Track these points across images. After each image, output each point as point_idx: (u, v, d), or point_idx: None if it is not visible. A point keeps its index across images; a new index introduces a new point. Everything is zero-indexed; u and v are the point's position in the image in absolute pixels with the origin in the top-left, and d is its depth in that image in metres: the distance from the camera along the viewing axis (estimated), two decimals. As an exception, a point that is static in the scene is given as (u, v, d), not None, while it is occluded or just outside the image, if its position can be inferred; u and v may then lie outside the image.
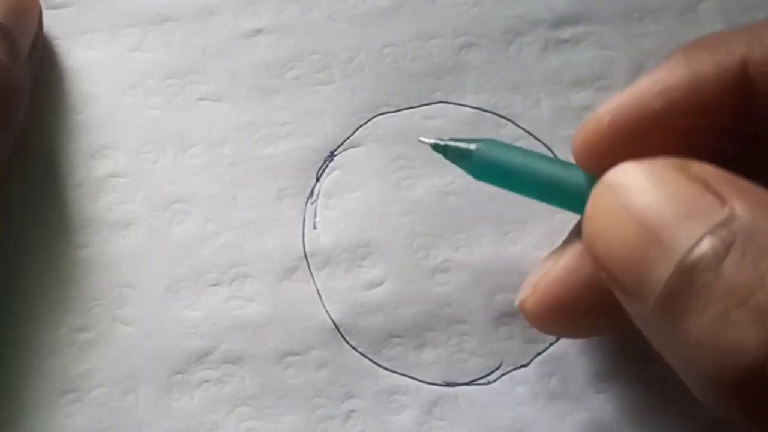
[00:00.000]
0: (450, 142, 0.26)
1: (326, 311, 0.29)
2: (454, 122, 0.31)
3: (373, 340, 0.29)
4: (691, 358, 0.19)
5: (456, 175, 0.30)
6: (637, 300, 0.20)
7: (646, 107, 0.23)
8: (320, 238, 0.30)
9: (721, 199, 0.19)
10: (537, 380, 0.28)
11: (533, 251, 0.29)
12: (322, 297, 0.29)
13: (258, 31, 0.32)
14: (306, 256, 0.30)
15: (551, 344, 0.29)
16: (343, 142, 0.31)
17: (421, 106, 0.31)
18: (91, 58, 0.32)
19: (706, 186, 0.19)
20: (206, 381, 0.29)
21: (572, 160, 0.25)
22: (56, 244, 0.30)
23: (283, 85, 0.31)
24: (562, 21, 0.31)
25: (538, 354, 0.29)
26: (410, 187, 0.30)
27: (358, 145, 0.31)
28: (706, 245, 0.18)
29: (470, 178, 0.29)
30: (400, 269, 0.29)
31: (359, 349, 0.29)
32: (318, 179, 0.30)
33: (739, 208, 0.19)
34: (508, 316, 0.29)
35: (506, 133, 0.30)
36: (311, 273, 0.29)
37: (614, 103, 0.23)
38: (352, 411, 0.28)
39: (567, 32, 0.31)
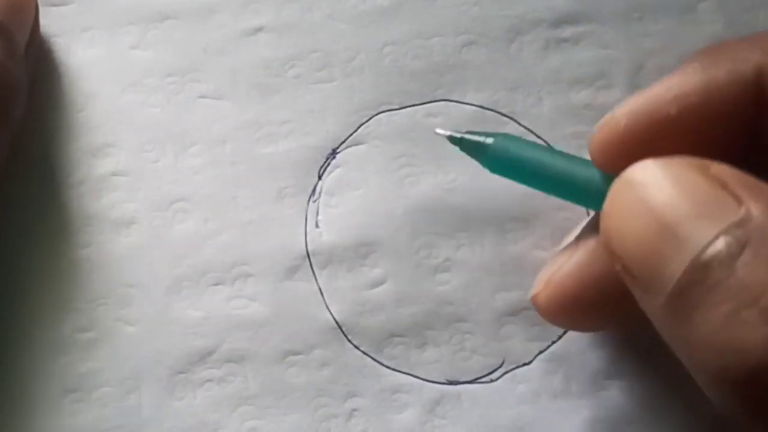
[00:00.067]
0: (466, 135, 0.26)
1: (328, 310, 0.29)
2: (456, 120, 0.30)
3: (375, 339, 0.29)
4: (699, 354, 0.19)
5: (458, 173, 0.30)
6: (651, 294, 0.20)
7: (662, 112, 0.23)
8: (322, 236, 0.29)
9: (738, 200, 0.19)
10: (540, 378, 0.28)
11: (534, 250, 0.29)
12: (325, 296, 0.29)
13: (258, 30, 0.31)
14: (308, 255, 0.29)
15: (553, 342, 0.29)
16: (346, 139, 0.30)
17: (423, 104, 0.31)
18: (91, 55, 0.31)
19: (724, 186, 0.20)
20: (209, 380, 0.28)
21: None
22: (57, 243, 0.29)
23: (284, 83, 0.31)
24: (562, 20, 0.31)
25: (541, 352, 0.29)
26: (413, 185, 0.30)
27: (361, 143, 0.30)
28: (720, 244, 0.19)
29: (472, 175, 0.29)
30: (402, 268, 0.29)
31: (361, 348, 0.29)
32: (320, 177, 0.30)
33: (755, 209, 0.19)
34: (509, 314, 0.29)
35: (508, 131, 0.30)
36: (313, 272, 0.29)
37: (630, 107, 0.23)
38: (355, 410, 0.28)
39: (567, 31, 0.31)
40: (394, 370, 0.28)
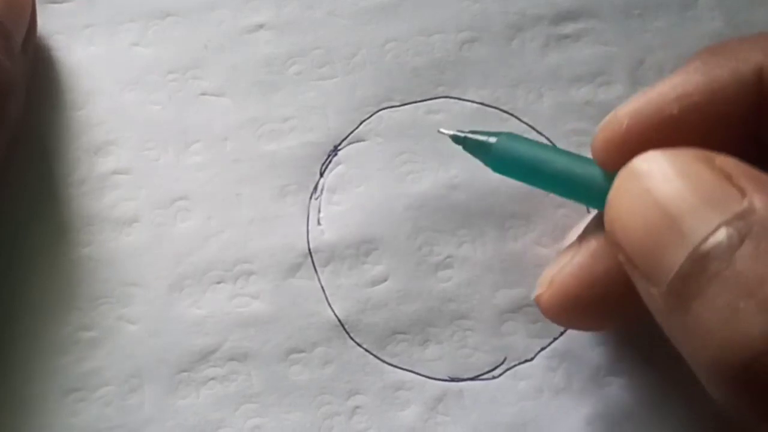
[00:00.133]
0: (469, 134, 0.26)
1: (331, 308, 0.28)
2: (457, 117, 0.30)
3: (377, 337, 0.28)
4: (697, 344, 0.19)
5: (460, 170, 0.29)
6: (652, 284, 0.20)
7: (664, 111, 0.22)
8: (324, 234, 0.29)
9: (742, 192, 0.19)
10: (541, 375, 0.28)
11: (535, 247, 0.29)
12: (327, 294, 0.29)
13: (259, 27, 0.31)
14: (310, 253, 0.29)
15: (555, 339, 0.28)
16: (347, 136, 0.30)
17: (424, 100, 0.30)
18: (91, 53, 0.31)
19: (728, 178, 0.20)
20: (212, 379, 0.28)
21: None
22: (59, 242, 0.29)
23: (285, 80, 0.31)
24: (562, 17, 0.31)
25: (543, 349, 0.28)
26: (414, 182, 0.30)
27: (362, 140, 0.30)
28: (721, 235, 0.19)
29: (474, 172, 0.29)
30: (403, 265, 0.29)
31: (364, 346, 0.28)
32: (322, 174, 0.30)
33: (758, 201, 0.19)
34: (511, 311, 0.29)
35: (509, 128, 0.30)
36: (315, 270, 0.29)
37: (632, 106, 0.23)
38: (358, 407, 0.28)
39: (568, 28, 0.31)
40: (396, 367, 0.28)
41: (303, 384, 0.28)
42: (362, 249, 0.29)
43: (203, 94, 0.30)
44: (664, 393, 0.28)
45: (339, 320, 0.28)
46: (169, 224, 0.29)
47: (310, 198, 0.29)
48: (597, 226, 0.25)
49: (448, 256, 0.29)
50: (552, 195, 0.29)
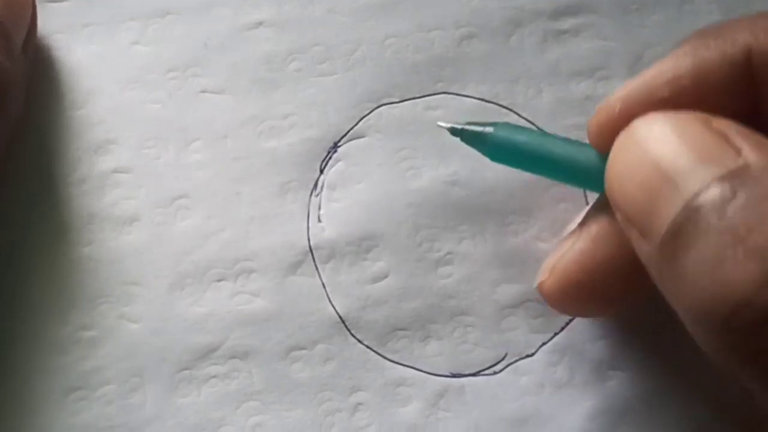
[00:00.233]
0: (467, 125, 0.26)
1: (332, 305, 0.28)
2: (456, 113, 0.30)
3: (378, 333, 0.28)
4: (687, 293, 0.19)
5: (459, 166, 0.29)
6: (647, 240, 0.20)
7: (656, 95, 0.23)
8: (325, 231, 0.29)
9: (738, 151, 0.19)
10: (543, 370, 0.28)
11: (536, 242, 0.29)
12: (328, 291, 0.28)
13: (259, 24, 0.31)
14: (311, 250, 0.28)
15: (556, 334, 0.28)
16: (347, 133, 0.30)
17: (423, 96, 0.30)
18: (91, 52, 0.30)
19: (725, 138, 0.20)
20: (213, 377, 0.27)
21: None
22: (59, 241, 0.28)
23: (285, 77, 0.30)
24: (561, 12, 0.31)
25: (544, 344, 0.28)
26: (414, 178, 0.29)
27: (362, 136, 0.30)
28: (715, 189, 0.19)
29: (473, 168, 0.29)
30: (404, 262, 0.28)
31: (365, 342, 0.28)
32: (322, 171, 0.29)
33: (753, 158, 0.19)
34: (512, 306, 0.28)
35: (509, 124, 0.29)
36: (316, 267, 0.28)
37: (625, 91, 0.23)
38: (359, 404, 0.27)
39: (566, 23, 0.31)
40: (397, 363, 0.28)
41: (304, 381, 0.27)
42: (363, 246, 0.28)
43: (203, 92, 0.30)
44: (665, 387, 0.27)
45: (340, 317, 0.28)
46: (170, 223, 0.29)
47: (311, 195, 0.29)
48: (597, 212, 0.25)
49: (449, 252, 0.28)
50: (552, 190, 0.28)
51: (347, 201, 0.29)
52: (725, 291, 0.18)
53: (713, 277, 0.18)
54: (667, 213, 0.19)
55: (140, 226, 0.29)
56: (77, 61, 0.30)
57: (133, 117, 0.30)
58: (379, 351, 0.28)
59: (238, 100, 0.30)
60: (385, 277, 0.28)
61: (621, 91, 0.23)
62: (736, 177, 0.19)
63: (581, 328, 0.28)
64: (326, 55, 0.30)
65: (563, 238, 0.27)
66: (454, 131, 0.26)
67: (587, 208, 0.28)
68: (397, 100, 0.30)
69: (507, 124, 0.25)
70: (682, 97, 0.22)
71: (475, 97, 0.30)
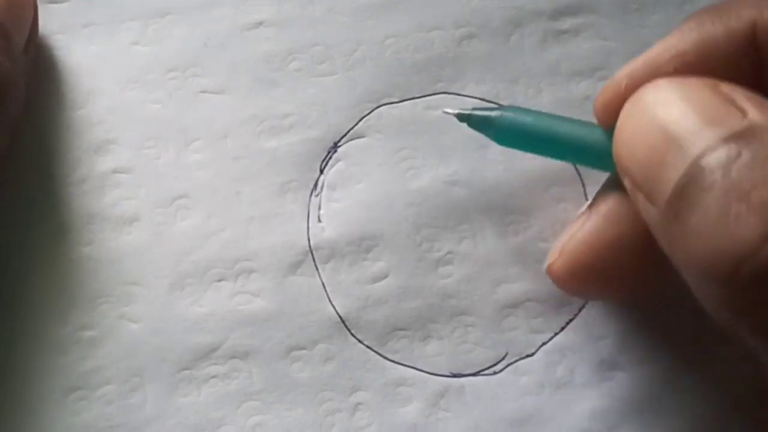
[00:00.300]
0: (473, 111, 0.26)
1: (332, 305, 0.28)
2: (456, 113, 0.29)
3: (378, 333, 0.28)
4: (693, 250, 0.19)
5: (459, 165, 0.29)
6: (653, 203, 0.20)
7: (661, 71, 0.23)
8: (325, 231, 0.28)
9: (744, 113, 0.19)
10: (543, 369, 0.27)
11: (536, 242, 0.28)
12: (328, 291, 0.28)
13: (259, 24, 0.30)
14: (311, 250, 0.28)
15: (556, 334, 0.28)
16: (347, 133, 0.29)
17: (423, 96, 0.30)
18: (91, 52, 0.30)
19: (732, 101, 0.20)
20: (213, 377, 0.27)
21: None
22: (59, 241, 0.28)
23: (285, 77, 0.30)
24: (561, 12, 0.31)
25: (544, 344, 0.28)
26: (414, 178, 0.29)
27: (362, 136, 0.29)
28: (720, 150, 0.19)
29: (473, 168, 0.29)
30: (404, 262, 0.28)
31: (365, 342, 0.28)
32: (322, 171, 0.29)
33: (758, 119, 0.19)
34: (512, 306, 0.28)
35: (509, 124, 0.29)
36: (316, 267, 0.28)
37: (630, 68, 0.23)
38: (359, 404, 0.27)
39: (566, 23, 0.31)
40: (397, 363, 0.27)
41: (304, 381, 0.27)
42: (363, 246, 0.28)
43: (203, 91, 0.30)
44: (666, 386, 0.27)
45: (340, 317, 0.28)
46: (170, 223, 0.28)
47: (311, 195, 0.29)
48: (606, 192, 0.25)
49: (449, 252, 0.28)
50: (552, 190, 0.28)
51: (347, 201, 0.29)
52: (729, 245, 0.18)
53: (717, 232, 0.18)
54: (673, 174, 0.19)
55: (140, 226, 0.28)
56: (77, 61, 0.30)
57: (133, 117, 0.29)
58: (379, 351, 0.27)
59: (238, 99, 0.30)
60: (385, 277, 0.28)
61: (627, 67, 0.23)
62: (741, 138, 0.19)
63: (581, 328, 0.28)
64: (326, 55, 0.30)
65: (572, 221, 0.26)
66: (461, 117, 0.26)
67: (586, 204, 0.28)
68: (397, 100, 0.30)
69: (513, 107, 0.25)
70: (687, 73, 0.22)
71: (475, 97, 0.30)
